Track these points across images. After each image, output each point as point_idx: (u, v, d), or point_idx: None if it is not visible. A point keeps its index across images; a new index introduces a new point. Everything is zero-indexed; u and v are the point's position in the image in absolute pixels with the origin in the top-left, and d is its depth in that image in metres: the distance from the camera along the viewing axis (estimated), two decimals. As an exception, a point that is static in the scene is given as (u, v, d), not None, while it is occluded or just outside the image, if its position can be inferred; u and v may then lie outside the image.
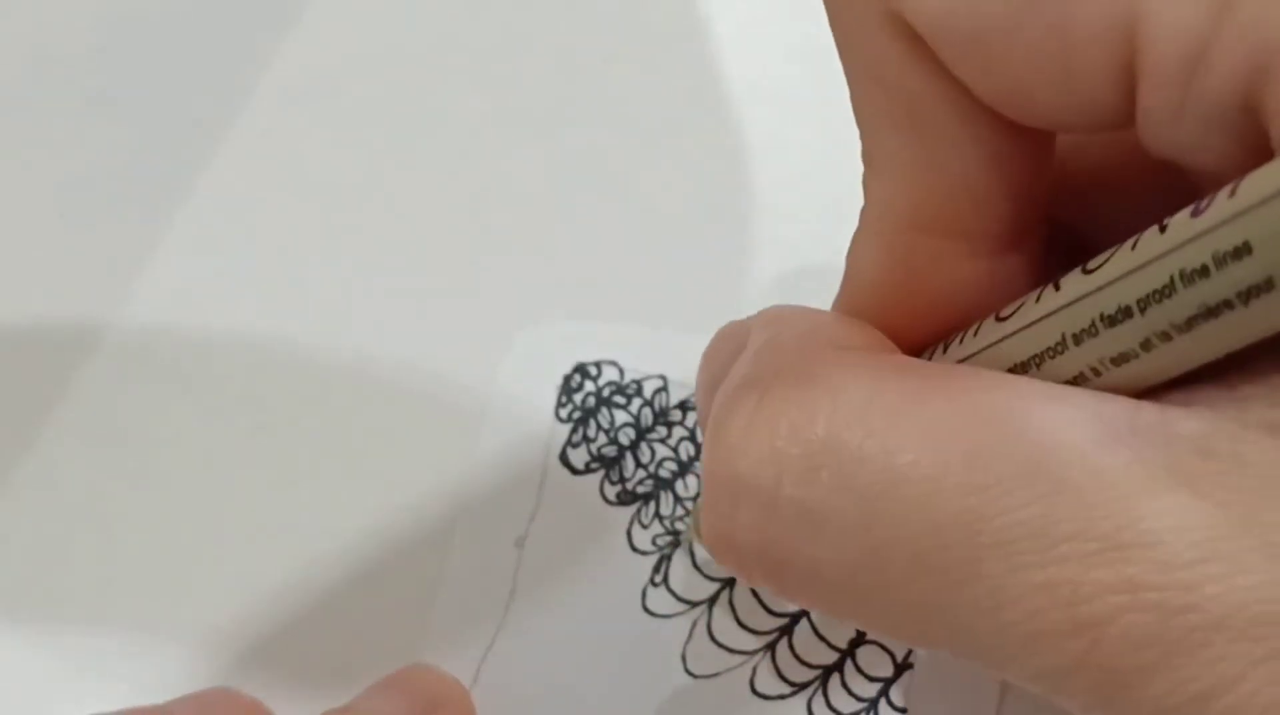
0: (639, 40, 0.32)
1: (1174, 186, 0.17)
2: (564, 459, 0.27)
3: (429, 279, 0.30)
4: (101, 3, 0.34)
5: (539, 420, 0.28)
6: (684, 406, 0.27)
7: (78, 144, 0.33)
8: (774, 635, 0.24)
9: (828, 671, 0.24)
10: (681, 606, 0.25)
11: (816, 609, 0.19)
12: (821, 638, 0.24)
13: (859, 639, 0.24)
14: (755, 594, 0.25)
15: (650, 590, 0.25)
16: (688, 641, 0.25)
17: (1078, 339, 0.16)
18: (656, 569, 0.26)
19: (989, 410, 0.16)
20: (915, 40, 0.17)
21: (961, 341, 0.19)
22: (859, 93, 0.18)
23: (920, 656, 0.24)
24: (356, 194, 0.31)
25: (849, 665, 0.24)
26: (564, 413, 0.28)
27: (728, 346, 0.20)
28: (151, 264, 0.31)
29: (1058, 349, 0.17)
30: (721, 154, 0.30)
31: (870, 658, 0.24)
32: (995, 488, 0.16)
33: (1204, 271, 0.14)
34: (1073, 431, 0.16)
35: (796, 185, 0.30)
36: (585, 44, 0.32)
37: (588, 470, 0.27)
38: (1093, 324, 0.16)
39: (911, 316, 0.19)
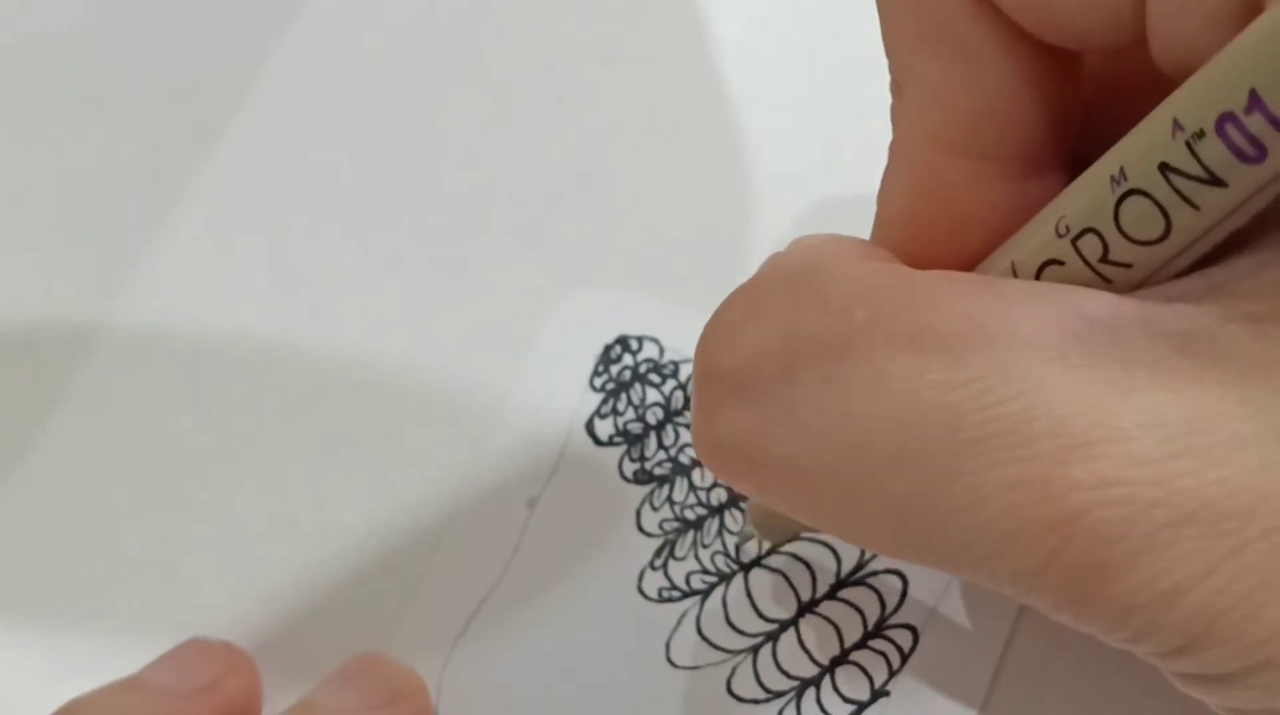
0: (639, 40, 0.32)
1: None
2: (589, 428, 0.27)
3: (427, 278, 0.30)
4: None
5: (572, 385, 0.28)
6: None
7: (76, 143, 0.33)
8: (760, 640, 0.25)
9: (805, 685, 0.24)
10: (675, 594, 0.25)
11: (794, 511, 0.19)
12: (805, 650, 0.24)
13: (841, 657, 0.24)
14: (749, 596, 0.25)
15: (648, 573, 0.26)
16: (674, 630, 0.25)
17: (1069, 229, 0.17)
18: (658, 553, 0.26)
19: (972, 311, 0.16)
20: None
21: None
22: (888, 17, 0.18)
23: (897, 684, 0.24)
24: (356, 192, 0.31)
25: (826, 683, 0.24)
26: (598, 382, 0.28)
27: None
28: (151, 263, 0.31)
29: (1050, 244, 0.17)
30: (721, 154, 0.30)
31: (849, 678, 0.24)
32: (974, 385, 0.16)
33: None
34: (1053, 329, 0.16)
35: (796, 185, 0.30)
36: (585, 44, 0.32)
37: (610, 443, 0.27)
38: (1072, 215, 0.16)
39: (941, 245, 0.19)
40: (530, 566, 0.26)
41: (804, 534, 0.25)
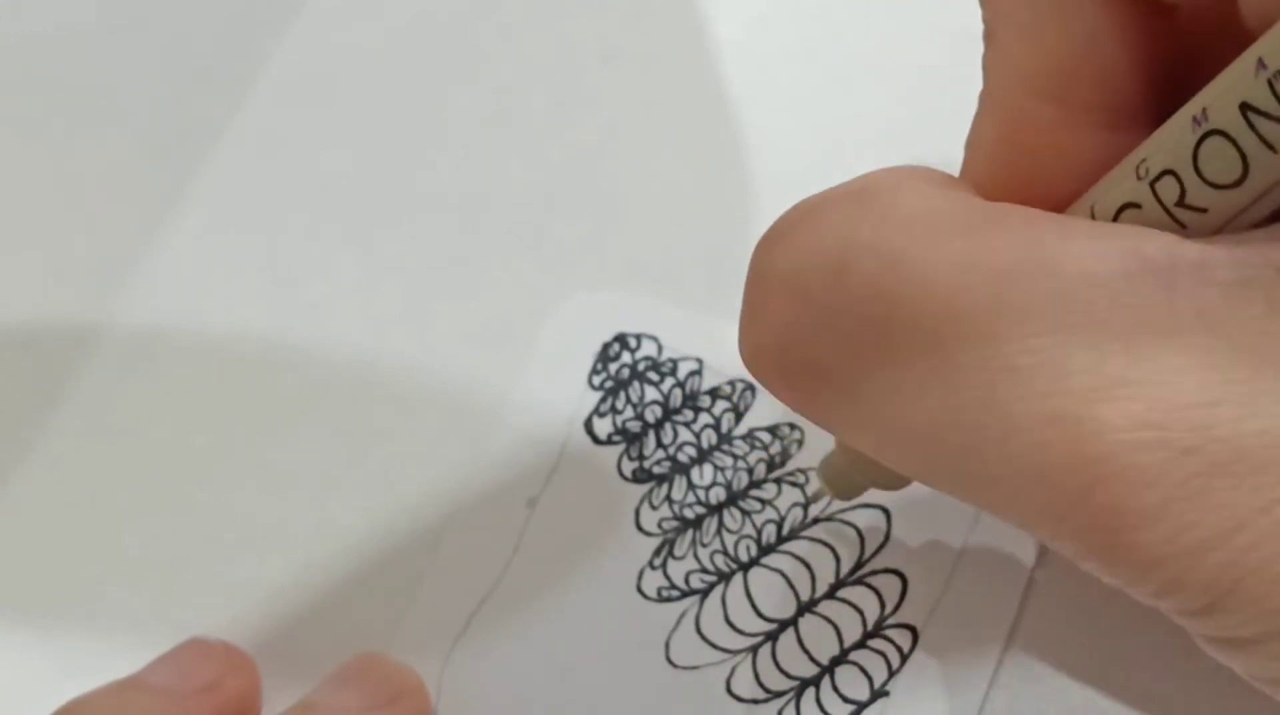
0: (639, 40, 0.32)
1: None
2: (588, 426, 0.27)
3: (427, 278, 0.30)
4: None
5: (571, 384, 0.28)
6: (714, 393, 0.27)
7: (76, 143, 0.33)
8: (759, 639, 0.24)
9: (804, 685, 0.24)
10: (675, 594, 0.25)
11: (829, 424, 0.19)
12: (805, 650, 0.24)
13: (841, 657, 0.24)
14: (749, 596, 0.25)
15: (648, 572, 0.26)
16: (674, 630, 0.25)
17: (1140, 171, 0.17)
18: (657, 552, 0.26)
19: (1028, 240, 0.16)
20: None
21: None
22: None
23: (897, 684, 0.24)
24: (357, 192, 0.31)
25: (826, 683, 0.24)
26: (596, 380, 0.28)
27: None
28: (151, 263, 0.31)
29: (1127, 184, 0.17)
30: (721, 154, 0.30)
31: (849, 678, 0.24)
32: (1016, 313, 0.15)
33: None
34: (1105, 266, 0.16)
35: (796, 185, 0.30)
36: (585, 44, 0.32)
37: (609, 442, 0.27)
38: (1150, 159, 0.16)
39: (1026, 192, 0.19)
40: (530, 566, 0.26)
41: (872, 490, 0.24)
